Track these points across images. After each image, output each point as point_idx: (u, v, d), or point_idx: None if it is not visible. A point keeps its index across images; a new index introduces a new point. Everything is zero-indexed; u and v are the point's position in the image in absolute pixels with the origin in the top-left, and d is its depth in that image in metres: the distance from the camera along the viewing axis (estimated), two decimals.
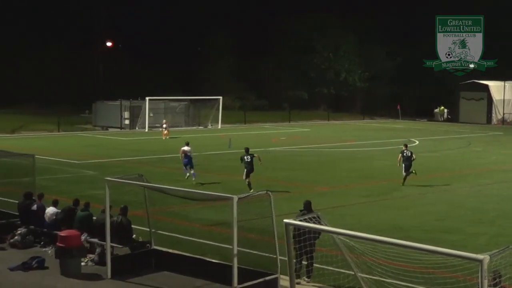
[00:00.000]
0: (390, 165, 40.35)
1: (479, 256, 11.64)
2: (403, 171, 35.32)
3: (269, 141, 57.69)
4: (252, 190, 30.60)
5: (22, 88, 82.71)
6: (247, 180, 32.81)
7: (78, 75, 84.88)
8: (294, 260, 16.47)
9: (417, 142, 59.04)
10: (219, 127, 74.87)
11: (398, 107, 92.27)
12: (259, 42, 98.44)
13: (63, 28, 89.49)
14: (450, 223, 26.46)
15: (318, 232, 17.44)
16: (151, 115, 70.69)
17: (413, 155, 35.47)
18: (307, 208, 19.22)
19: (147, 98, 70.96)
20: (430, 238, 23.29)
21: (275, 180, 36.26)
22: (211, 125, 76.23)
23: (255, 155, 33.55)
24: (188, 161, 35.93)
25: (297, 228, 15.95)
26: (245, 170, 32.93)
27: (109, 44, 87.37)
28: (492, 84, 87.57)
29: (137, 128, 71.40)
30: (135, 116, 72.61)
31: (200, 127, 74.93)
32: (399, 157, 35.81)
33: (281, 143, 57.00)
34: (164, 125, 61.32)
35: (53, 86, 71.28)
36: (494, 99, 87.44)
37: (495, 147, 56.25)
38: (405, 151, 35.66)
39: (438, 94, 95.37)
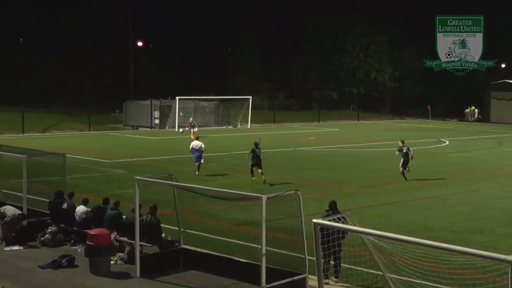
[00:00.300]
0: (419, 165, 40.17)
1: (509, 257, 11.56)
2: (400, 165, 36.93)
3: (298, 141, 57.66)
4: (253, 178, 35.22)
5: (53, 87, 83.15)
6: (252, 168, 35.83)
7: (108, 74, 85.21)
8: (322, 260, 16.45)
9: (447, 142, 58.77)
10: (249, 126, 74.94)
11: (429, 107, 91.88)
12: (288, 41, 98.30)
13: (94, 28, 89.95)
14: (479, 224, 26.31)
15: (344, 232, 17.42)
16: (181, 114, 70.85)
17: (410, 150, 37.10)
18: (333, 208, 19.21)
19: (177, 98, 71.20)
20: (459, 238, 23.19)
21: (303, 179, 36.22)
22: (241, 125, 76.32)
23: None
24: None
25: (323, 228, 15.97)
26: (251, 163, 35.80)
27: (139, 44, 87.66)
28: None
29: (167, 127, 71.64)
30: (165, 115, 72.85)
31: (229, 127, 75.03)
32: (397, 154, 37.63)
33: (310, 143, 56.94)
34: (191, 124, 60.46)
35: (84, 85, 71.58)
36: None
37: None
38: (403, 147, 37.29)
39: (469, 94, 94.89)
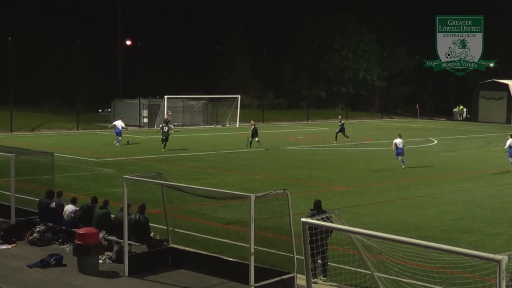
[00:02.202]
0: (408, 164, 40.27)
1: (497, 256, 11.56)
2: (396, 155, 41.72)
3: (286, 140, 57.67)
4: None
5: (42, 86, 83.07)
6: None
7: (97, 73, 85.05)
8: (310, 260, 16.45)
9: (436, 142, 58.89)
10: (237, 125, 74.94)
11: (417, 106, 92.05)
12: (278, 41, 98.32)
13: (83, 27, 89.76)
14: (468, 223, 26.36)
15: (330, 230, 17.43)
16: (170, 113, 70.80)
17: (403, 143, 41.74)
18: (317, 207, 19.21)
19: (165, 97, 71.15)
20: (447, 238, 23.25)
21: (292, 178, 36.23)
22: (229, 124, 76.32)
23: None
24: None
25: (310, 227, 15.95)
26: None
27: (128, 43, 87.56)
28: None
29: (155, 126, 71.55)
30: (154, 114, 72.81)
31: (218, 126, 75.00)
32: (393, 146, 41.76)
33: (299, 142, 56.96)
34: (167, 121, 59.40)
35: (72, 84, 71.48)
36: None
37: None
38: (398, 140, 41.56)
39: (458, 93, 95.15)
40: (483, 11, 69.44)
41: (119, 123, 53.71)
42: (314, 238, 16.67)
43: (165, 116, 58.26)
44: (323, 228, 16.16)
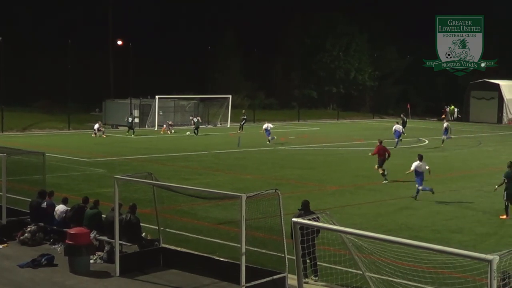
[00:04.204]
0: (399, 164, 40.28)
1: (488, 257, 11.59)
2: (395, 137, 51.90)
3: (278, 140, 57.66)
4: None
5: (33, 86, 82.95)
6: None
7: (88, 73, 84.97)
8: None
9: (427, 142, 58.96)
10: (228, 125, 74.94)
11: (408, 106, 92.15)
12: (269, 41, 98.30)
13: (74, 27, 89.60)
14: (459, 223, 26.41)
15: (317, 230, 17.44)
16: (161, 113, 70.82)
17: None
18: (305, 207, 19.24)
19: (156, 97, 71.11)
20: (439, 238, 23.28)
21: (283, 178, 36.23)
22: (220, 124, 76.33)
23: None
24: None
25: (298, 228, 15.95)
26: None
27: (119, 43, 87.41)
28: (503, 84, 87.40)
29: (146, 126, 71.51)
30: (145, 114, 72.74)
31: (209, 126, 74.97)
32: (393, 129, 53.02)
33: (290, 142, 56.97)
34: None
35: (63, 84, 71.41)
36: (505, 99, 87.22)
37: (505, 147, 56.09)
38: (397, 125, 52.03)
39: (449, 93, 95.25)
40: (483, 11, 69.53)
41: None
42: (304, 238, 16.68)
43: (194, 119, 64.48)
44: (313, 228, 16.18)
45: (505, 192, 27.43)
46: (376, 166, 36.78)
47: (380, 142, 37.77)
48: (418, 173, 31.26)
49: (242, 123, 69.24)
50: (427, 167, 31.50)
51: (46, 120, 70.95)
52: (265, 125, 57.14)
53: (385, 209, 29.18)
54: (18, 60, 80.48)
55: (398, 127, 54.07)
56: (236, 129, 67.71)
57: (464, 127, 78.14)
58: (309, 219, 15.28)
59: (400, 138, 53.44)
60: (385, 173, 36.04)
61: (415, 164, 31.39)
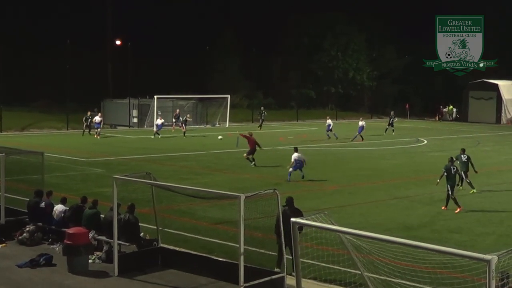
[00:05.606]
0: (398, 164, 40.33)
1: (487, 256, 11.59)
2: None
3: (276, 140, 57.66)
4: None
5: (32, 86, 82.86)
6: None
7: (87, 73, 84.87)
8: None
9: (426, 142, 58.97)
10: (227, 125, 74.93)
11: (407, 106, 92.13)
12: (267, 40, 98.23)
13: (73, 27, 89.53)
14: (458, 223, 26.40)
15: (300, 227, 17.41)
16: (159, 113, 70.77)
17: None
18: (289, 203, 19.59)
19: (155, 97, 71.01)
20: (437, 238, 23.29)
21: (282, 178, 36.20)
22: (219, 124, 76.31)
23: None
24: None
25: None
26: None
27: (118, 42, 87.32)
28: (502, 84, 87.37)
29: (145, 126, 71.49)
30: (144, 114, 72.73)
31: (208, 126, 74.95)
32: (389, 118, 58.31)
33: (289, 142, 56.92)
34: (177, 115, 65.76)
35: (62, 84, 71.36)
36: (503, 99, 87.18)
37: (504, 147, 56.11)
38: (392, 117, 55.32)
39: (447, 93, 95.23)
40: (483, 11, 69.57)
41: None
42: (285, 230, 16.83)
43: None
44: (304, 226, 16.08)
45: (448, 185, 28.93)
46: (245, 154, 41.27)
47: (251, 135, 42.47)
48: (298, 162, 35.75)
49: (261, 122, 71.76)
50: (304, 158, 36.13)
51: (44, 120, 70.90)
52: (328, 121, 61.26)
53: (384, 209, 29.19)
54: (16, 59, 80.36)
55: (362, 124, 59.41)
56: (236, 130, 67.62)
57: (462, 127, 78.20)
58: (308, 219, 15.26)
59: (360, 134, 58.54)
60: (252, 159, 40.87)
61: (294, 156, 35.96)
